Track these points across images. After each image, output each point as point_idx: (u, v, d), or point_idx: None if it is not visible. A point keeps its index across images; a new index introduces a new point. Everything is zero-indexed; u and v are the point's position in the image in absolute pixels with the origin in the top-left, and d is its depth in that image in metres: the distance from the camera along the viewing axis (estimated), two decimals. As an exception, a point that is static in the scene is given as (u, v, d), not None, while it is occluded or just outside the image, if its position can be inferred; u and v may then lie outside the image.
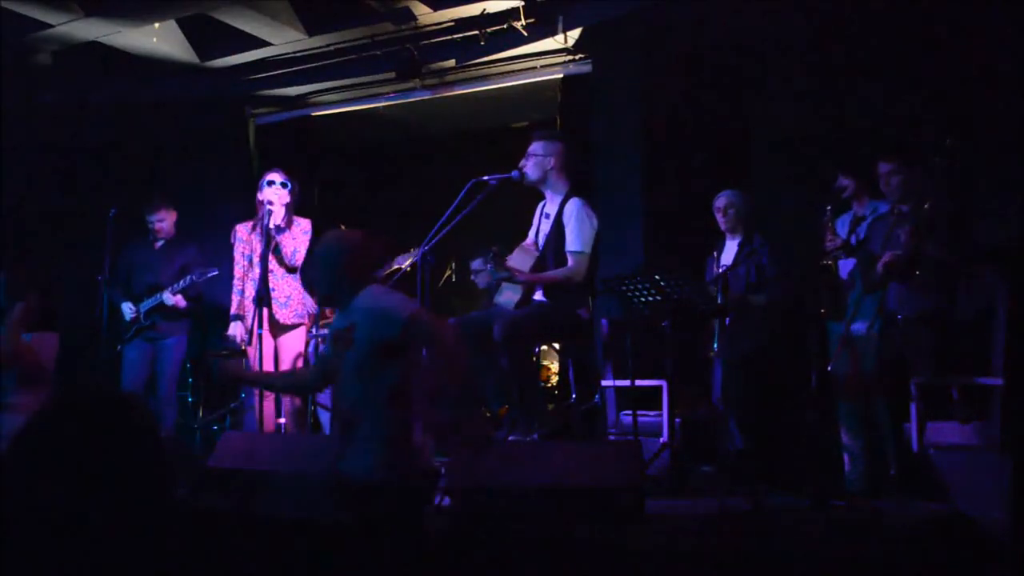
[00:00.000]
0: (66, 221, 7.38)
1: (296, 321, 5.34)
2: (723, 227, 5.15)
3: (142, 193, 6.29)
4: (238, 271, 5.46)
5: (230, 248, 5.61)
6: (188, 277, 5.65)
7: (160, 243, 6.01)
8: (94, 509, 1.57)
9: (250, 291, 5.31)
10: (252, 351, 5.10)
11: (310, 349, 5.68)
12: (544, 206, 4.71)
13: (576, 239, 4.41)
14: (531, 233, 4.75)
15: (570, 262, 4.41)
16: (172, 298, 5.70)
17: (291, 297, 5.32)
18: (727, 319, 4.93)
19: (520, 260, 4.60)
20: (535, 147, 4.56)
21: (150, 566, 1.60)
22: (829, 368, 4.42)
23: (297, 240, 5.34)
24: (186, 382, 6.93)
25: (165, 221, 5.98)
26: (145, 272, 5.91)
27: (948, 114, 5.22)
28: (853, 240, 4.63)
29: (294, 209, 5.42)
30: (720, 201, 5.15)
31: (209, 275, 5.65)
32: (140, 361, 5.87)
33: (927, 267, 4.24)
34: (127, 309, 5.85)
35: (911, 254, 4.26)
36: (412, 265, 6.19)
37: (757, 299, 4.92)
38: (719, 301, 4.86)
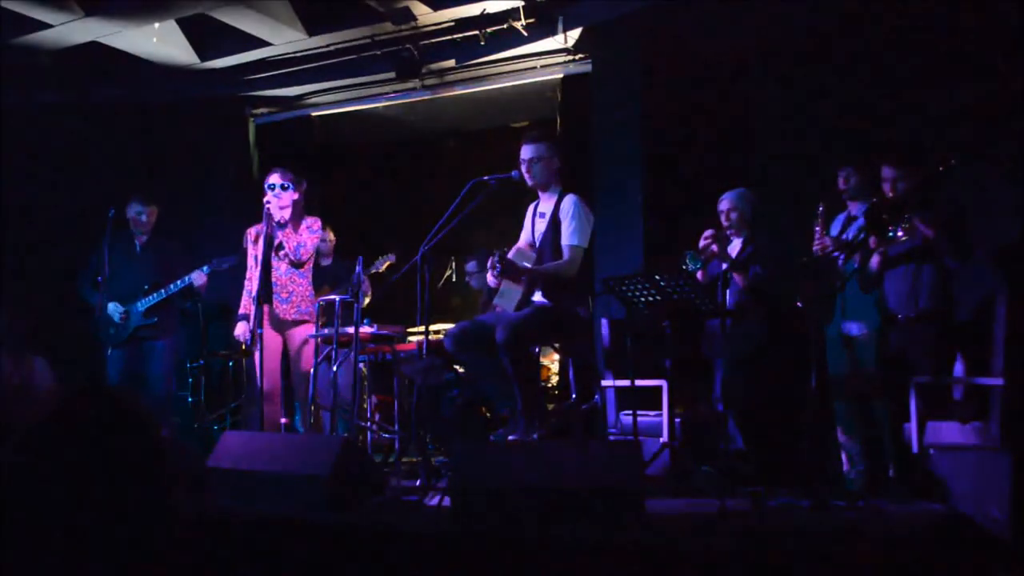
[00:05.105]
0: (66, 221, 7.38)
1: (298, 318, 5.31)
2: (726, 229, 5.14)
3: (141, 193, 6.29)
4: (249, 272, 5.39)
5: (225, 245, 5.61)
6: (214, 260, 5.74)
7: (143, 240, 6.06)
8: (95, 509, 1.57)
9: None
10: (256, 351, 5.10)
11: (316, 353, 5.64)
12: (537, 206, 4.68)
13: (573, 233, 4.41)
14: (523, 235, 4.72)
15: (566, 255, 4.41)
16: (202, 277, 5.75)
17: (293, 293, 5.31)
18: (727, 319, 4.92)
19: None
20: (539, 149, 4.49)
21: (150, 565, 1.60)
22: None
23: (303, 236, 5.31)
24: (186, 382, 6.93)
25: (154, 215, 6.06)
26: (135, 272, 5.93)
27: (949, 114, 5.22)
28: (845, 237, 4.62)
29: (303, 206, 5.36)
30: (723, 204, 5.13)
31: (228, 263, 5.71)
32: (131, 361, 5.92)
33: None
34: (115, 310, 5.86)
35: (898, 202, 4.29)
36: (388, 267, 6.27)
37: (749, 272, 4.90)
38: (719, 300, 4.85)
